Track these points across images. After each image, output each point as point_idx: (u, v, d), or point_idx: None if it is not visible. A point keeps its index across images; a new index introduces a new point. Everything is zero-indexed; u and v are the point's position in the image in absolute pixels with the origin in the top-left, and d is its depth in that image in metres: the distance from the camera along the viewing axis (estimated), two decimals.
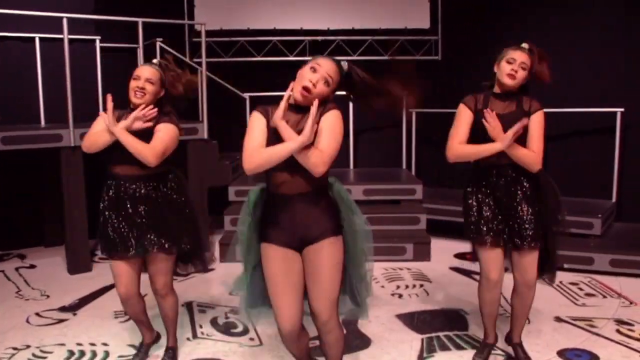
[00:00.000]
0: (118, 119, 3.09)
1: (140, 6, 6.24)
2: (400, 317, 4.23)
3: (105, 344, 3.76)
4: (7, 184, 5.96)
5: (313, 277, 2.54)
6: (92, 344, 3.76)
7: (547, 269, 3.39)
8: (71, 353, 3.64)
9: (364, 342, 3.79)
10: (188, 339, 3.74)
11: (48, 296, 4.71)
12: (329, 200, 2.60)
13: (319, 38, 7.70)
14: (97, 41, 6.16)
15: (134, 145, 3.00)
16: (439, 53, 7.78)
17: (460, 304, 4.44)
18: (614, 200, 6.05)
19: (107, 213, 3.17)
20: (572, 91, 6.17)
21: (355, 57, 7.68)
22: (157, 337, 3.63)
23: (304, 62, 2.54)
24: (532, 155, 3.07)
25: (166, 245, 3.16)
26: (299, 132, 2.40)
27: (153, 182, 3.16)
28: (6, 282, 5.12)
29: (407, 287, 4.93)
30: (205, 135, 6.03)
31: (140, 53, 5.70)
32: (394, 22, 7.73)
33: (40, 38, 5.81)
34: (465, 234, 3.33)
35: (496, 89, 3.19)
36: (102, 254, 3.29)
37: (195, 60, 7.04)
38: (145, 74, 3.12)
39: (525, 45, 3.15)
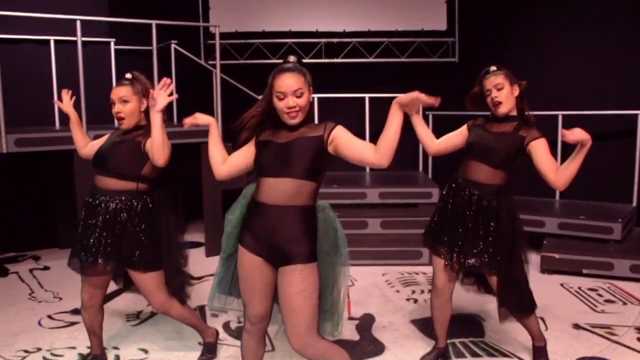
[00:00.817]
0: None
1: (155, 8, 6.25)
2: (415, 322, 4.17)
3: (116, 348, 3.75)
4: (22, 186, 5.99)
5: (283, 303, 2.48)
6: (103, 348, 3.73)
7: (506, 302, 3.21)
8: (82, 356, 3.62)
9: (377, 348, 3.74)
10: (200, 343, 3.70)
11: (61, 298, 4.70)
12: (310, 223, 2.50)
13: (335, 40, 7.68)
14: (112, 43, 6.19)
15: (164, 132, 2.83)
16: (455, 55, 7.71)
17: (476, 310, 4.36)
18: (634, 204, 5.94)
19: (82, 223, 3.15)
20: (589, 93, 6.09)
21: (371, 59, 7.63)
22: (104, 355, 3.53)
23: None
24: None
25: (130, 263, 3.11)
26: (289, 142, 2.48)
27: (128, 199, 3.09)
28: (20, 283, 5.13)
29: (422, 291, 4.85)
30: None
31: (154, 55, 5.69)
32: (411, 24, 7.68)
33: (55, 40, 5.84)
34: (423, 237, 3.44)
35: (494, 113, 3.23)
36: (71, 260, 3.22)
37: (210, 62, 7.04)
38: (118, 95, 3.07)
39: (493, 67, 3.18)
